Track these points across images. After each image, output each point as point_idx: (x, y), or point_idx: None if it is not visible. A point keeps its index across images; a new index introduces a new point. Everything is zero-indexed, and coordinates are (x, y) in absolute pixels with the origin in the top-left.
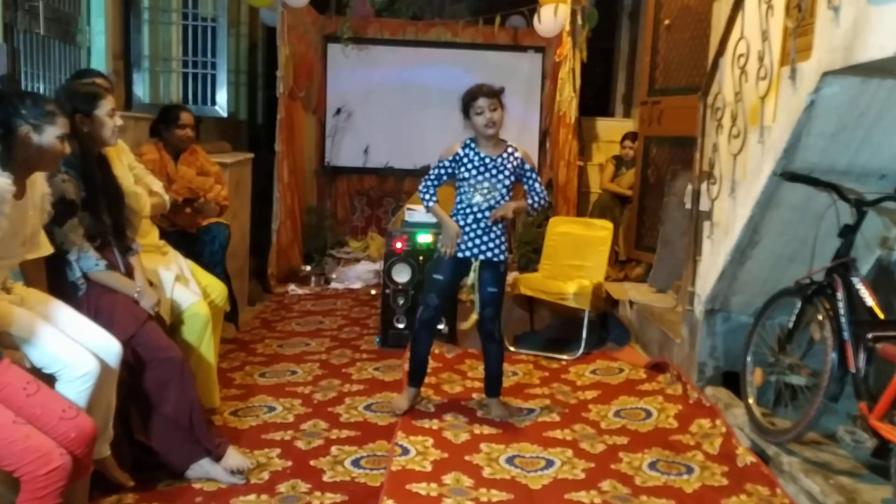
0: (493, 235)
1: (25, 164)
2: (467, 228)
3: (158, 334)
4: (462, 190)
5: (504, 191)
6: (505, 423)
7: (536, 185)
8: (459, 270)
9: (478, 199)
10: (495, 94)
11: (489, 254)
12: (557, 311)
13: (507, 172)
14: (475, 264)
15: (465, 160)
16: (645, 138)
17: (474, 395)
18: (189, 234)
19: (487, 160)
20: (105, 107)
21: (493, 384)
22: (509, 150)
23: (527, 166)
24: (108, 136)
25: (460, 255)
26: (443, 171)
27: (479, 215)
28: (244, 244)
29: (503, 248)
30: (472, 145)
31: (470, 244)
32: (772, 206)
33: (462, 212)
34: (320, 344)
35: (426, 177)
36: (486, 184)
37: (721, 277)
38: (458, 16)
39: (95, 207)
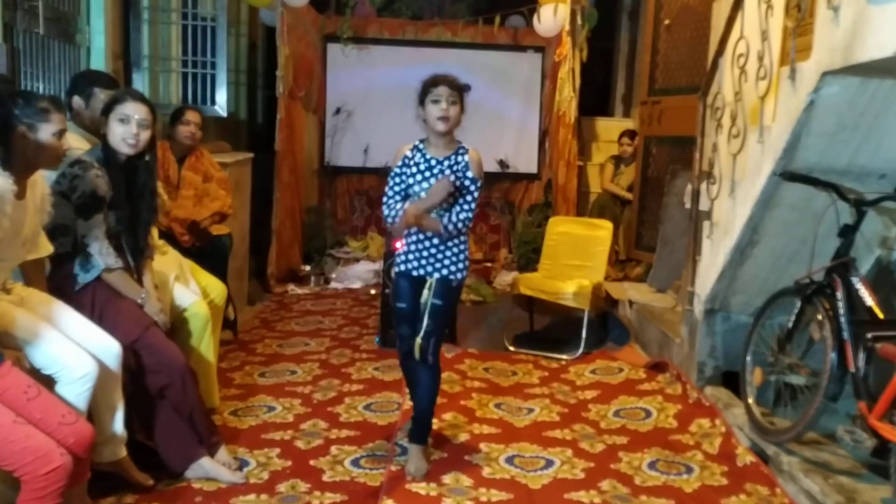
0: (448, 254)
1: (25, 163)
2: (420, 244)
3: (162, 340)
4: (411, 201)
5: (451, 200)
6: (504, 422)
7: (465, 204)
8: (419, 291)
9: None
10: (458, 88)
11: (444, 272)
12: (557, 310)
13: (452, 178)
14: (430, 282)
15: (412, 163)
16: (645, 138)
17: (474, 395)
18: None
19: (433, 161)
20: (119, 111)
21: (416, 426)
22: (460, 152)
23: (469, 174)
24: (115, 143)
25: (415, 273)
26: (398, 181)
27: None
28: (244, 244)
29: (460, 265)
30: (421, 146)
31: (423, 262)
32: (771, 205)
33: (415, 227)
34: (320, 344)
35: (385, 196)
36: (427, 190)
37: (721, 277)
38: (457, 15)
39: (116, 208)
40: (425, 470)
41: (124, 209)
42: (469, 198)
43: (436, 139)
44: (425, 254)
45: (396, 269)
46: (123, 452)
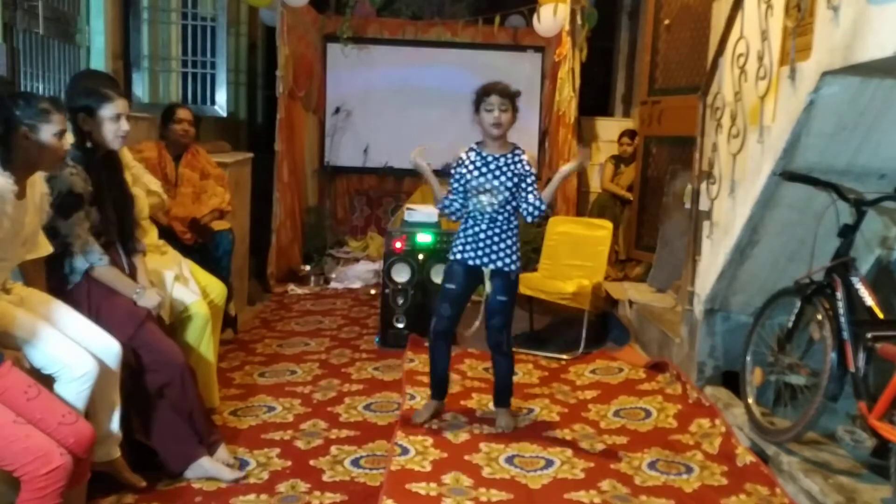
0: (503, 245)
1: (26, 164)
2: (477, 236)
3: (160, 337)
4: (469, 195)
5: (507, 193)
6: None
7: (532, 195)
8: (471, 280)
9: (483, 202)
10: (509, 95)
11: (500, 263)
12: (557, 310)
13: (509, 174)
14: (486, 273)
15: (468, 161)
16: (645, 138)
17: (474, 395)
18: (189, 245)
19: (489, 158)
20: (109, 110)
21: (500, 395)
22: (517, 152)
23: (531, 170)
24: (108, 140)
25: (471, 263)
26: (457, 178)
27: (488, 222)
28: (244, 244)
29: (514, 257)
30: (476, 147)
31: (480, 252)
32: (771, 205)
33: (472, 219)
34: (320, 344)
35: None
36: (487, 185)
37: (720, 277)
38: (457, 15)
39: (101, 205)
40: (514, 425)
41: (108, 204)
42: (531, 186)
43: (491, 141)
44: (481, 244)
45: (452, 256)
46: (117, 453)
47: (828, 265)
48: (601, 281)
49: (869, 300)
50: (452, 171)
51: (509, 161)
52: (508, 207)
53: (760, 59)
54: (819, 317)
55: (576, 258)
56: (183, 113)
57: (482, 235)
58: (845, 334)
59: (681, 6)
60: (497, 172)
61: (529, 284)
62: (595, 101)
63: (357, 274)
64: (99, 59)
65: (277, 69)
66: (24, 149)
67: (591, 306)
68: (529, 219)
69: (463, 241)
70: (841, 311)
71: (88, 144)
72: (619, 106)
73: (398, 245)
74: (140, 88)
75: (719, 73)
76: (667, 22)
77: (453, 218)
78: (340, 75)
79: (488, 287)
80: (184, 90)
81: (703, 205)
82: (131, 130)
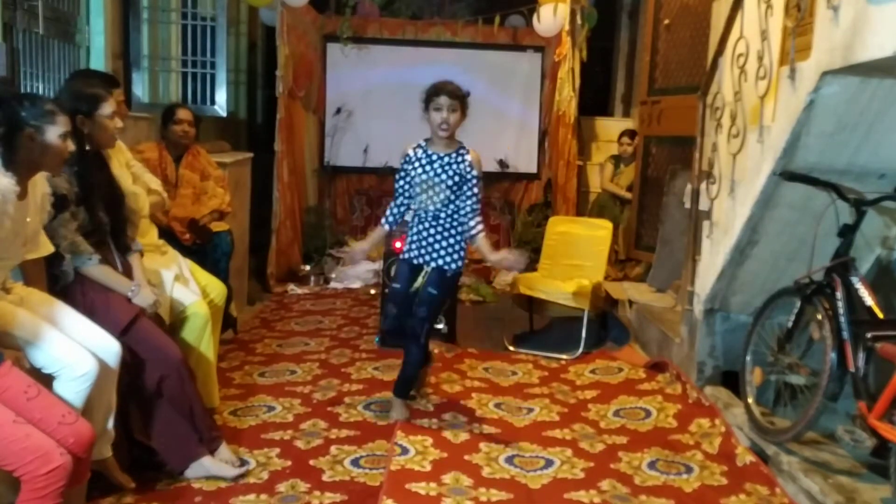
0: (445, 244)
1: (30, 165)
2: (420, 234)
3: (156, 333)
4: (414, 193)
5: (448, 192)
6: (504, 422)
7: (471, 195)
8: (415, 278)
9: (425, 201)
10: (458, 97)
11: (440, 261)
12: (557, 310)
13: (451, 172)
14: (426, 271)
15: (413, 158)
16: (644, 138)
17: (474, 395)
18: (187, 246)
19: (434, 156)
20: (106, 109)
21: (400, 384)
22: (461, 151)
23: (473, 172)
24: (107, 139)
25: (415, 261)
26: (402, 183)
27: (431, 220)
28: (243, 244)
29: (456, 256)
30: (424, 145)
31: (423, 251)
32: (771, 205)
33: (416, 216)
34: (320, 343)
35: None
36: (429, 182)
37: (720, 277)
38: (457, 15)
39: (91, 205)
40: (407, 415)
41: (98, 204)
42: (475, 189)
43: (438, 139)
44: (424, 244)
45: (402, 256)
46: (109, 452)
47: (828, 265)
48: (601, 281)
49: (869, 300)
50: (400, 172)
51: (452, 161)
52: (451, 206)
53: (760, 58)
54: (819, 317)
55: (576, 258)
56: (183, 113)
57: (425, 234)
58: (845, 334)
59: (681, 6)
60: (439, 170)
61: (529, 284)
62: (595, 101)
63: (357, 274)
64: (99, 59)
65: (277, 69)
66: (29, 149)
67: (590, 306)
68: (468, 233)
69: (410, 240)
70: (841, 310)
71: (87, 147)
72: (618, 106)
73: (398, 245)
74: (140, 88)
75: (719, 72)
76: (667, 22)
77: (395, 227)
78: (340, 75)
79: (420, 281)
80: (184, 90)
81: (703, 205)
82: (131, 130)
